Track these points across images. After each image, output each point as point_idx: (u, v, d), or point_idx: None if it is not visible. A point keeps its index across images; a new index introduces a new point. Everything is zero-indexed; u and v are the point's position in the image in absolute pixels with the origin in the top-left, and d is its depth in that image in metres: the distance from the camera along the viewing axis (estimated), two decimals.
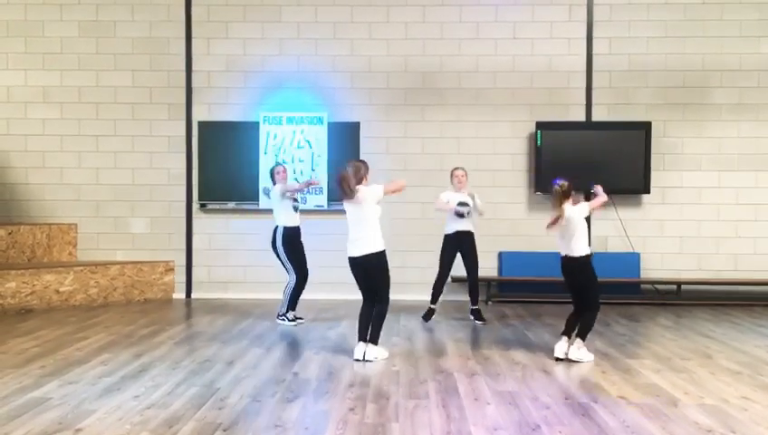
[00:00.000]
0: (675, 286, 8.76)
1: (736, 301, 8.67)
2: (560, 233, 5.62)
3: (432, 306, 7.41)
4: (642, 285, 8.92)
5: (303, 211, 8.60)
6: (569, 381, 4.93)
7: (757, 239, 8.96)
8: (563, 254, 5.64)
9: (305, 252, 7.21)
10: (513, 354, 5.80)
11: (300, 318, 7.20)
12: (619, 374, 5.13)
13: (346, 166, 5.63)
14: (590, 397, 4.52)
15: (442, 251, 7.36)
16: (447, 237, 7.32)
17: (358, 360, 5.53)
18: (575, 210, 5.58)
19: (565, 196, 5.57)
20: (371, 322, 5.61)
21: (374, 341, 5.62)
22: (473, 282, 7.36)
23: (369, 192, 5.55)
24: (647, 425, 3.95)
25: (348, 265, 5.65)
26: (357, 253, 5.56)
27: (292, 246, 7.08)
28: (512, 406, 4.31)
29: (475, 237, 7.35)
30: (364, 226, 5.53)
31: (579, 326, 5.58)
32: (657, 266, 8.98)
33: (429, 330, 6.93)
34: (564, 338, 5.60)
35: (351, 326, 6.98)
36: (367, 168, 5.68)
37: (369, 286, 5.63)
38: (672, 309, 8.32)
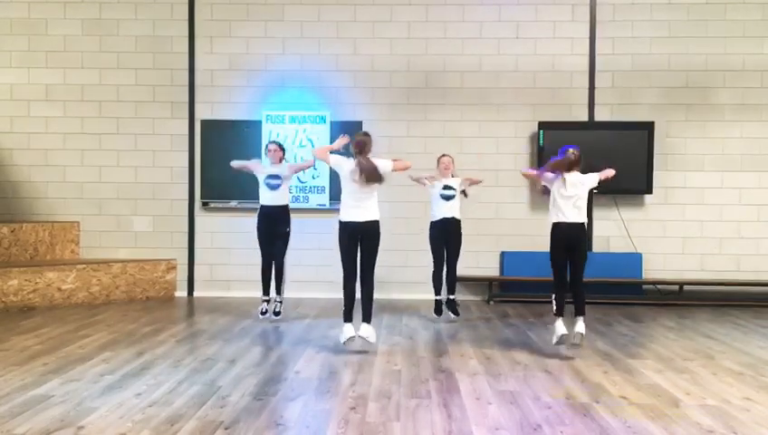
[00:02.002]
0: (677, 287, 8.75)
1: (739, 302, 8.65)
2: (569, 198, 5.62)
3: (438, 298, 7.37)
4: (644, 286, 8.91)
5: (305, 210, 8.65)
6: (570, 381, 4.92)
7: (760, 240, 8.95)
8: (569, 220, 5.62)
9: (271, 238, 7.23)
10: (514, 354, 5.79)
11: (264, 313, 7.24)
12: (620, 374, 5.12)
13: (358, 137, 5.77)
14: (591, 397, 4.52)
15: (430, 240, 7.32)
16: (433, 224, 7.29)
17: (351, 339, 5.61)
18: (584, 177, 5.69)
19: (575, 163, 5.65)
20: (364, 302, 5.69)
21: (369, 319, 5.71)
22: (451, 271, 7.31)
23: (379, 163, 5.70)
24: (648, 425, 3.94)
25: (338, 234, 5.74)
26: (361, 218, 5.64)
27: (260, 225, 7.20)
28: (513, 406, 4.31)
29: (462, 226, 7.31)
30: (369, 195, 5.68)
31: (580, 304, 5.63)
32: (659, 267, 8.97)
33: (431, 329, 6.92)
34: (560, 318, 5.66)
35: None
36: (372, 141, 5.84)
37: (356, 257, 5.71)
38: (674, 310, 8.30)
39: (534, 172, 6.12)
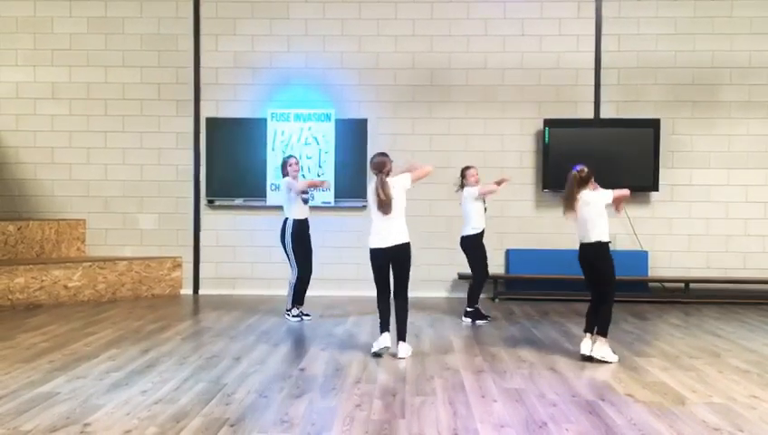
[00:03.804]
0: (683, 284, 8.73)
1: (745, 299, 8.62)
2: (579, 218, 5.53)
3: (475, 307, 7.26)
4: (650, 284, 8.89)
5: (310, 208, 8.62)
6: (576, 379, 4.91)
7: (766, 237, 8.92)
8: (582, 241, 5.55)
9: (312, 247, 7.19)
10: (520, 352, 5.78)
11: (307, 314, 7.20)
12: (626, 372, 5.11)
13: (375, 158, 5.63)
14: (597, 395, 4.51)
15: (475, 250, 7.19)
16: (478, 236, 7.19)
17: (382, 350, 5.50)
18: (594, 195, 5.52)
19: (583, 182, 5.51)
20: (400, 319, 5.60)
21: (404, 337, 5.62)
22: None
23: (398, 182, 5.60)
24: (654, 423, 3.93)
25: (369, 258, 5.63)
26: (386, 244, 5.53)
27: (300, 239, 7.05)
28: (518, 403, 4.30)
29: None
30: (392, 217, 5.54)
31: (598, 323, 5.48)
32: (665, 264, 8.95)
33: (436, 327, 6.92)
34: (588, 335, 5.50)
35: (358, 323, 7.02)
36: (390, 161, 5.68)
37: (386, 276, 5.61)
38: (680, 307, 8.28)
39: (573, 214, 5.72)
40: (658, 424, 3.92)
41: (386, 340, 5.56)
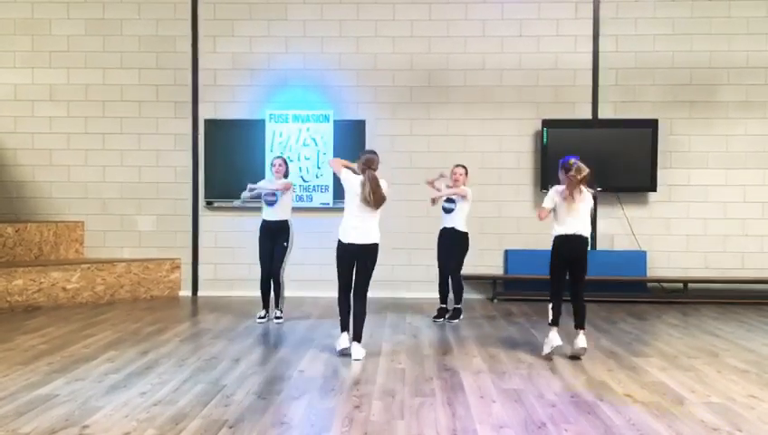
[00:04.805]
0: (681, 285, 8.74)
1: (743, 299, 8.63)
2: (577, 211, 5.55)
3: (443, 306, 7.34)
4: (649, 284, 8.89)
5: (309, 209, 8.64)
6: (574, 380, 4.92)
7: (764, 237, 8.93)
8: (576, 232, 5.55)
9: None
10: (518, 352, 5.79)
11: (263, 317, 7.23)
12: (625, 372, 5.12)
13: (366, 154, 5.62)
14: (596, 395, 4.51)
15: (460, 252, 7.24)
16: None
17: (345, 350, 5.53)
18: (588, 194, 5.66)
19: (585, 180, 5.59)
20: (357, 319, 5.56)
21: (360, 338, 5.59)
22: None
23: (385, 186, 5.62)
24: (653, 423, 3.94)
25: (337, 252, 5.61)
26: (361, 240, 5.52)
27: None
28: (517, 404, 4.31)
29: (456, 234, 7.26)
30: (371, 215, 5.55)
31: (581, 316, 5.57)
32: (663, 265, 8.96)
33: (435, 327, 6.92)
34: (582, 331, 5.56)
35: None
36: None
37: (351, 274, 5.60)
38: (679, 307, 8.29)
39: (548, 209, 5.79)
40: (657, 424, 3.92)
41: (344, 341, 5.59)
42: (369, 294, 5.68)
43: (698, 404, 4.32)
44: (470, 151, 8.83)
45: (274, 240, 7.14)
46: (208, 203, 9.10)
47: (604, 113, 8.98)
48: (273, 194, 7.10)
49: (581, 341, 5.50)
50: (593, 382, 4.84)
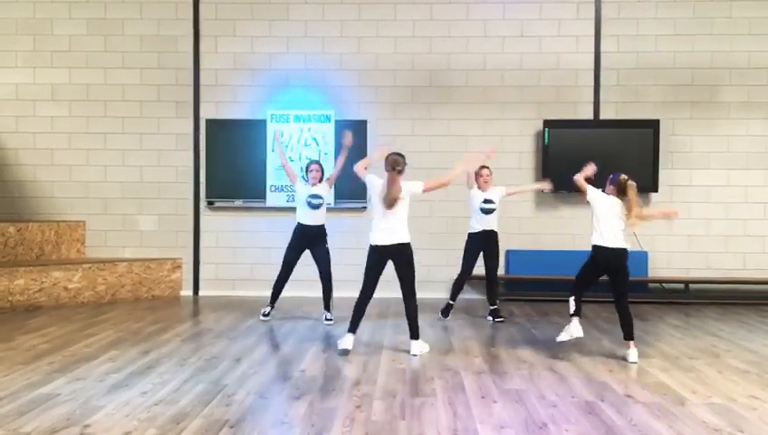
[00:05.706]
0: (683, 285, 8.73)
1: (745, 300, 8.62)
2: (622, 223, 5.62)
3: (451, 302, 7.41)
4: (650, 284, 8.89)
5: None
6: (576, 380, 4.92)
7: (766, 238, 8.92)
8: (615, 245, 5.58)
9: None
10: (519, 353, 5.79)
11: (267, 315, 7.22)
12: (626, 373, 5.12)
13: (391, 156, 5.64)
14: (597, 395, 4.51)
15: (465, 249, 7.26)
16: (470, 236, 7.23)
17: (346, 350, 5.60)
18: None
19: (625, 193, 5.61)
20: (409, 321, 5.72)
21: (417, 336, 5.74)
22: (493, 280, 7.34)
23: (408, 185, 5.66)
24: (654, 424, 3.94)
25: (367, 254, 5.70)
26: (387, 241, 5.60)
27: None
28: (518, 404, 4.31)
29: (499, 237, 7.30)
30: (395, 216, 5.61)
31: (628, 325, 5.62)
32: (665, 265, 8.95)
33: (436, 327, 6.92)
34: (631, 342, 5.60)
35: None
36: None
37: (376, 278, 5.70)
38: (680, 308, 8.28)
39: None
40: (658, 425, 3.92)
41: (348, 342, 5.66)
42: (374, 295, 5.75)
43: (699, 405, 4.32)
44: (471, 151, 8.80)
45: (312, 244, 7.08)
46: (210, 203, 9.10)
47: (606, 114, 8.97)
48: (320, 197, 7.03)
49: (630, 355, 5.50)
50: (594, 383, 4.84)
